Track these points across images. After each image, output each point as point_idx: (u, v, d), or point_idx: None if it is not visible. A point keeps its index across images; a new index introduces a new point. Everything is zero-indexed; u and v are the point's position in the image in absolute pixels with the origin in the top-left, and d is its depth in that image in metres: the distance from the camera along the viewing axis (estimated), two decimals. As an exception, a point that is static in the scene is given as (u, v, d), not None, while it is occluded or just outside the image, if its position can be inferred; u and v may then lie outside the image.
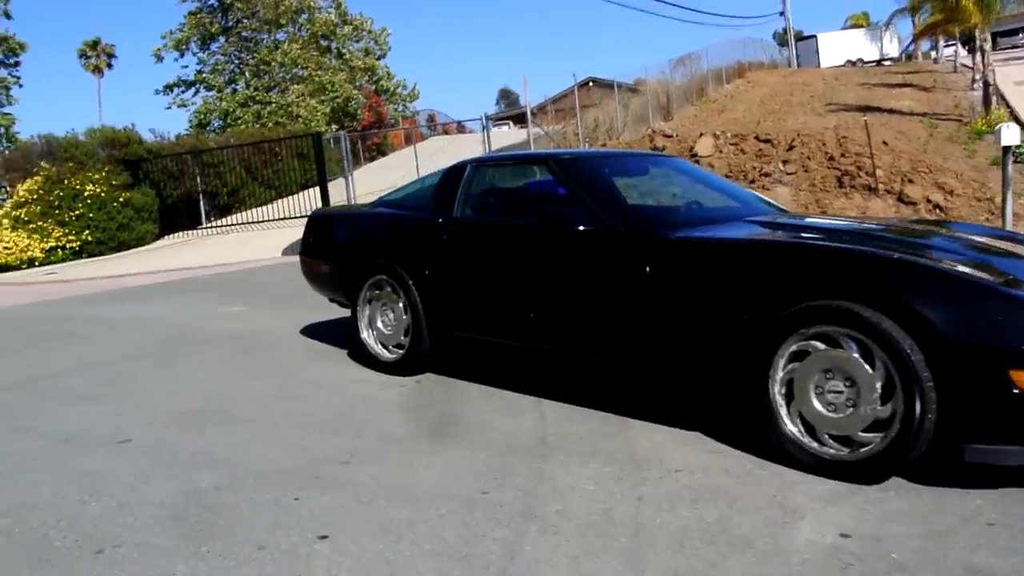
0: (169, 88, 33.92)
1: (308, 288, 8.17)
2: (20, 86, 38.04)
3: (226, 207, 21.18)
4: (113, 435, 4.18)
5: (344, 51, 33.39)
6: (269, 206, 19.53)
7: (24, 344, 7.15)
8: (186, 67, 34.76)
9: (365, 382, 5.02)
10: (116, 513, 3.18)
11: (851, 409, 3.25)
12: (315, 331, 6.67)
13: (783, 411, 3.43)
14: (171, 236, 19.27)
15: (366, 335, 5.29)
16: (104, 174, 17.94)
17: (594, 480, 3.34)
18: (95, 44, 54.75)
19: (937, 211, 11.99)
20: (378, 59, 35.96)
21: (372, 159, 32.27)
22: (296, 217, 17.99)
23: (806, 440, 3.38)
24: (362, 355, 5.35)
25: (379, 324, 5.24)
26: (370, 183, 21.07)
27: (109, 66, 55.84)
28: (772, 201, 5.14)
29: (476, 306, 4.63)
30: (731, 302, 3.53)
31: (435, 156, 24.18)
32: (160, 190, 19.57)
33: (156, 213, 19.16)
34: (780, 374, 3.43)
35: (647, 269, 3.76)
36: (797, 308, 3.31)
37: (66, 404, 4.90)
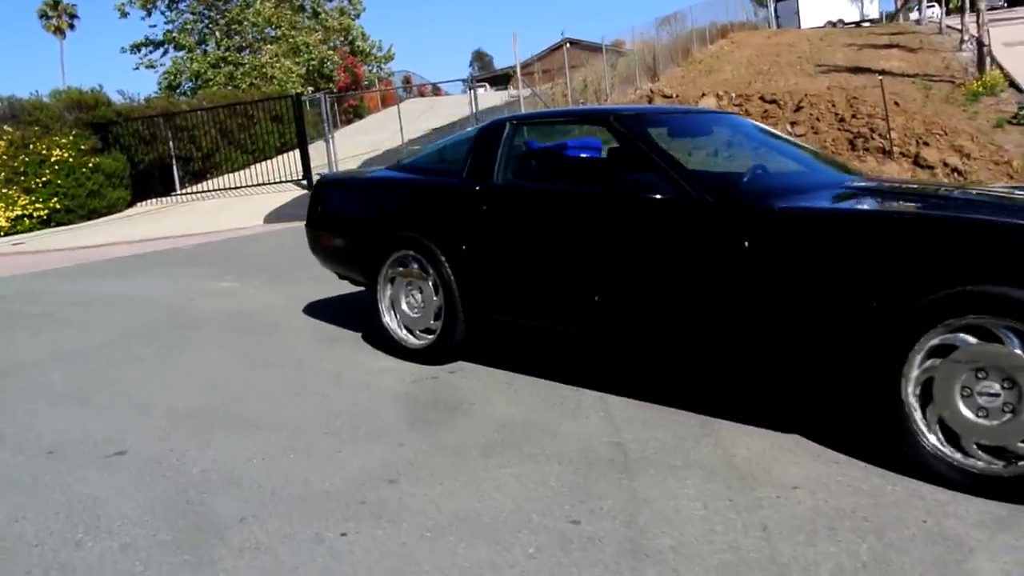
0: (136, 48, 32.58)
1: (301, 261, 7.52)
2: (-21, 47, 36.39)
3: (200, 172, 20.28)
4: (104, 445, 3.54)
5: (319, 10, 32.24)
6: (245, 171, 18.68)
7: (-12, 326, 6.42)
8: (154, 26, 33.40)
9: (390, 373, 4.41)
10: (119, 557, 2.55)
11: (1009, 415, 2.69)
12: (318, 310, 6.02)
13: (917, 416, 2.87)
14: (144, 203, 18.39)
15: (388, 319, 4.66)
16: (71, 138, 16.99)
17: (701, 502, 2.77)
18: (56, 4, 52.82)
19: (955, 175, 11.48)
20: (353, 19, 34.82)
21: (349, 122, 31.34)
22: (275, 183, 17.22)
23: (947, 451, 2.82)
24: (382, 341, 4.73)
25: (403, 306, 4.61)
26: (349, 146, 20.28)
27: (71, 27, 54.05)
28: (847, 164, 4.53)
29: (524, 287, 4.01)
30: (854, 287, 2.94)
31: (419, 119, 23.42)
32: (131, 155, 18.62)
33: (128, 179, 18.25)
34: (915, 372, 2.86)
35: (745, 245, 3.16)
36: (943, 294, 2.73)
37: (44, 405, 4.24)
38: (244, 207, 15.60)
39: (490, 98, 29.08)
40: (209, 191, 18.20)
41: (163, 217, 15.84)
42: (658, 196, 3.45)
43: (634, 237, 3.53)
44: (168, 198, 18.57)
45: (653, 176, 3.50)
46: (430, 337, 4.50)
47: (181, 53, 31.73)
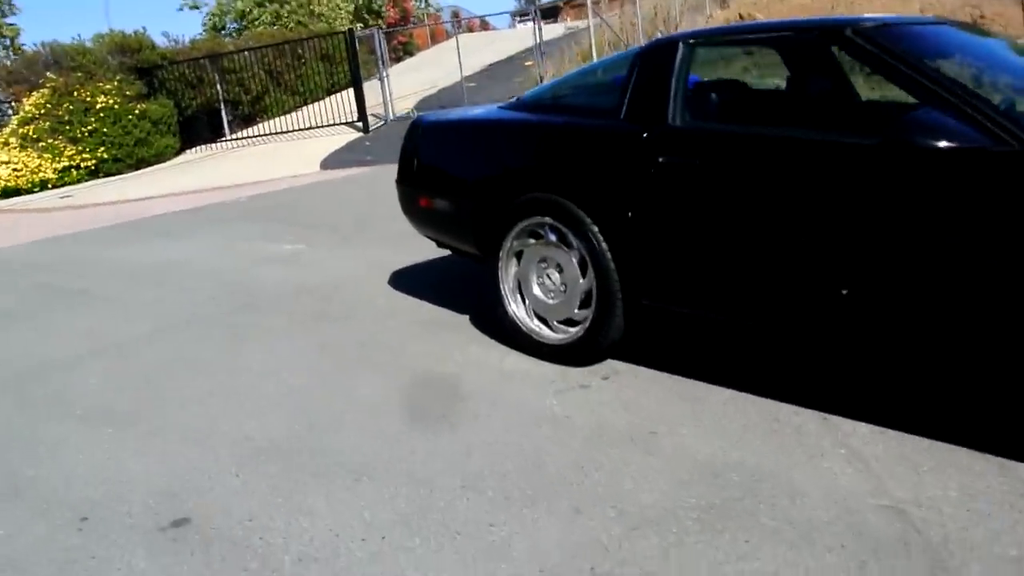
0: (179, -11, 31.43)
1: (370, 215, 6.49)
2: (21, -8, 35.58)
3: (249, 116, 19.25)
4: (157, 507, 2.53)
5: (366, -58, 30.76)
6: (295, 114, 17.62)
7: (16, 308, 5.45)
8: (196, -35, 32.14)
9: (523, 379, 3.34)
10: None
11: None
12: (406, 281, 4.96)
13: None
14: (193, 150, 17.46)
15: (513, 306, 3.57)
16: (116, 84, 16.03)
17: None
18: (97, -55, 51.74)
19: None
20: (400, -49, 33.23)
21: (398, 60, 30.02)
22: (327, 125, 16.12)
23: None
24: (502, 329, 3.64)
25: (535, 289, 3.50)
26: (402, 85, 19.04)
27: (113, -31, 52.95)
28: None
29: (723, 272, 2.88)
30: None
31: (475, 54, 22.04)
32: (178, 100, 17.66)
33: (175, 125, 17.30)
34: None
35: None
36: None
37: (75, 428, 3.25)
38: (297, 152, 14.57)
39: (548, 31, 27.49)
40: (259, 136, 17.17)
41: (213, 165, 14.88)
42: (942, 145, 2.27)
43: (917, 205, 2.36)
44: (217, 144, 17.60)
45: (945, 117, 2.31)
46: (573, 330, 3.40)
47: (225, -8, 30.54)
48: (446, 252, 4.26)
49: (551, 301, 3.47)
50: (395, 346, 3.84)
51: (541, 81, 17.22)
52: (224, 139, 17.87)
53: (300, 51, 19.29)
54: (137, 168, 16.04)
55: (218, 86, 18.12)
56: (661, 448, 2.69)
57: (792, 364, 3.23)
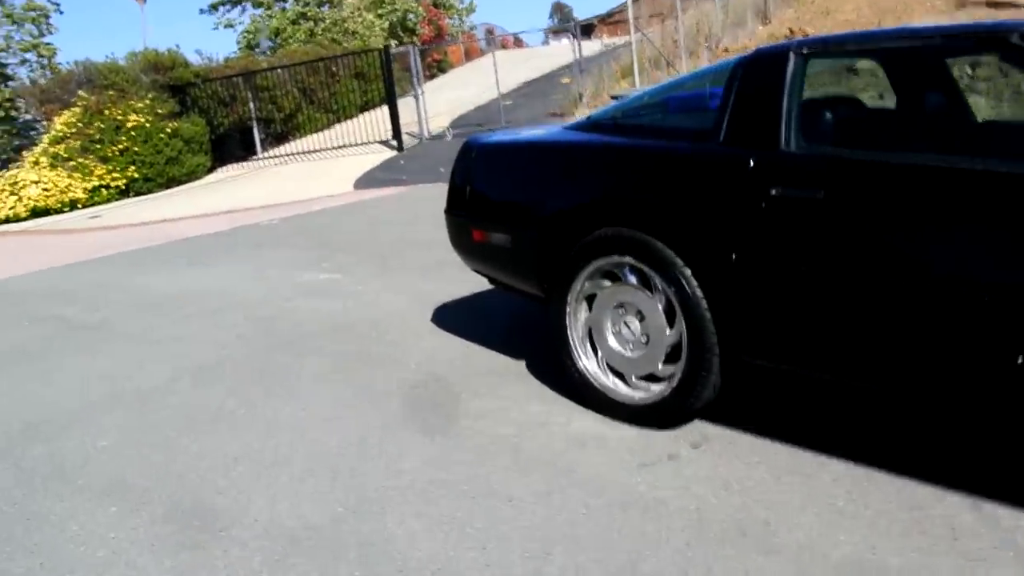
0: (214, 7, 31.47)
1: (410, 240, 6.07)
2: (60, 12, 35.89)
3: (281, 135, 18.99)
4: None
5: (400, -40, 30.59)
6: (328, 132, 17.32)
7: (26, 344, 5.03)
8: (231, -16, 32.14)
9: (596, 445, 2.87)
10: None
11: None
12: (454, 317, 4.49)
13: None
14: (225, 168, 17.19)
15: (583, 358, 3.09)
16: (148, 102, 15.80)
17: None
18: (134, -34, 52.23)
19: None
20: (434, -31, 33.06)
21: (432, 77, 29.78)
22: (361, 144, 15.76)
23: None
24: (569, 382, 3.15)
25: (610, 339, 3.01)
26: (437, 102, 18.70)
27: (150, -11, 53.44)
28: None
29: (853, 331, 2.37)
30: None
31: (511, 71, 21.67)
32: (210, 118, 17.43)
33: (207, 144, 17.05)
34: None
35: None
36: None
37: (85, 507, 2.78)
38: (331, 172, 14.22)
39: (584, 47, 27.10)
40: (291, 154, 16.87)
41: (245, 184, 14.57)
42: None
43: None
44: (249, 163, 17.32)
45: None
46: (656, 388, 2.91)
47: (259, 10, 30.50)
48: (482, 282, 3.80)
49: (629, 353, 2.97)
50: (445, 400, 3.37)
51: (580, 99, 16.79)
52: (256, 157, 17.60)
53: (334, 68, 19.02)
54: (168, 187, 15.79)
55: (251, 104, 17.87)
56: (782, 545, 2.19)
57: (926, 434, 2.71)
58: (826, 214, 2.38)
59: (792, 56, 2.65)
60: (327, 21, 27.34)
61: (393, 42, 25.81)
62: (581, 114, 15.63)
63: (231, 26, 31.26)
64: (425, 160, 14.10)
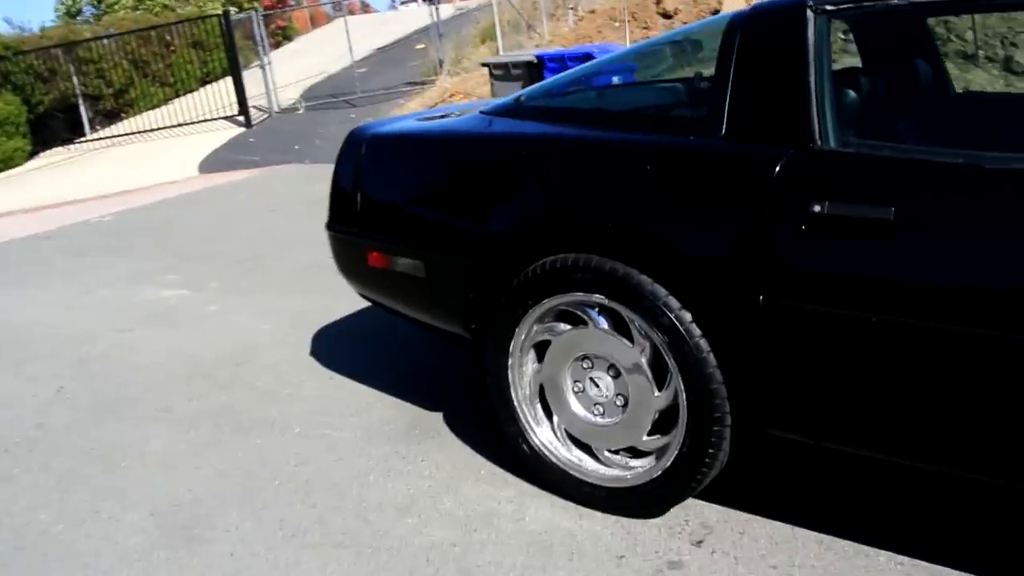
0: (25, -29, 28.36)
1: (264, 235, 5.19)
2: None
3: (113, 112, 17.19)
4: None
5: (233, -83, 28.38)
6: (166, 108, 15.73)
7: None
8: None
9: (575, 551, 2.12)
10: None
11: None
12: (331, 346, 3.65)
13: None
14: (48, 153, 15.33)
15: (533, 427, 2.30)
16: (-53, 79, 13.81)
17: None
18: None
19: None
20: (272, -72, 30.96)
21: (278, 45, 28.05)
22: (203, 120, 14.33)
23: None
24: (516, 454, 2.38)
25: (570, 401, 2.25)
26: (286, 72, 17.30)
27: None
28: None
29: (948, 397, 1.67)
30: None
31: (363, 38, 20.43)
32: (27, 96, 15.48)
33: (25, 125, 15.14)
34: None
35: None
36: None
37: None
38: (171, 153, 12.82)
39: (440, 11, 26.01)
40: (126, 134, 15.17)
41: (72, 171, 12.94)
42: None
43: None
44: (77, 145, 15.51)
45: None
46: (639, 466, 2.18)
47: (78, -26, 27.68)
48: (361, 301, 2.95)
49: (599, 420, 2.21)
50: (347, 487, 2.51)
51: (441, 65, 15.83)
52: (85, 139, 15.78)
53: (168, 37, 17.32)
54: (-20, 177, 13.89)
55: (74, 78, 15.99)
56: None
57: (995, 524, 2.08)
58: (902, 240, 1.66)
59: (811, 16, 1.91)
60: (157, -15, 25.06)
61: (233, 8, 23.97)
62: (443, 83, 14.69)
63: (47, -8, 28.28)
64: (277, 136, 12.90)
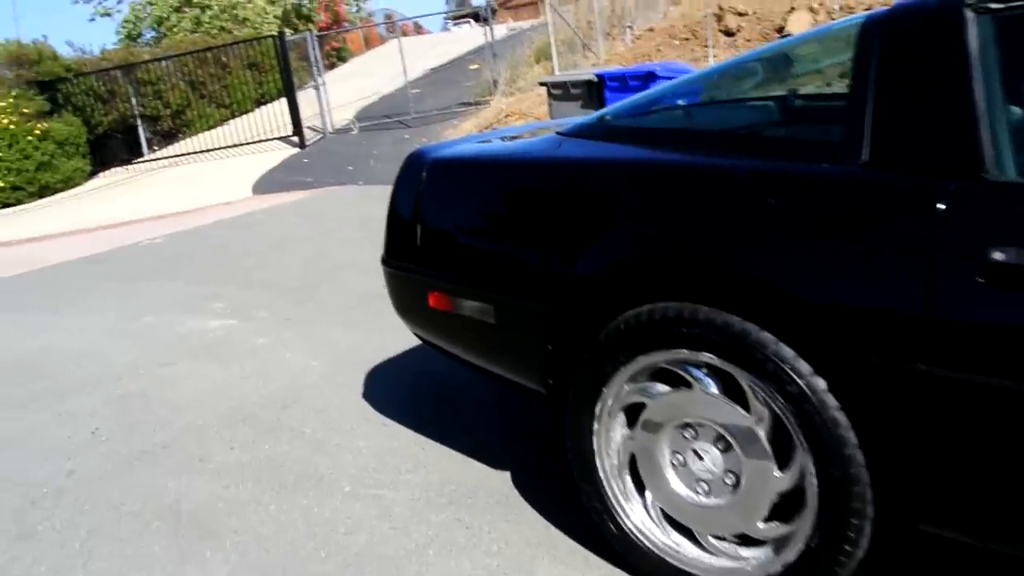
0: (88, -5, 28.96)
1: (319, 263, 4.92)
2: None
3: (170, 133, 17.28)
4: None
5: (292, -58, 28.76)
6: (221, 128, 15.76)
7: None
8: (107, -29, 29.67)
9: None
10: None
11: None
12: (384, 388, 3.34)
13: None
14: (107, 173, 15.44)
15: (622, 503, 1.95)
16: (11, 100, 13.93)
17: None
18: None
19: None
20: (329, -49, 31.30)
21: (332, 66, 28.29)
22: (258, 141, 14.30)
23: None
24: (597, 531, 2.02)
25: (668, 475, 1.90)
26: (339, 93, 17.26)
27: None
28: None
29: None
30: None
31: (416, 59, 20.37)
32: (87, 117, 15.62)
33: (85, 146, 15.23)
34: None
35: None
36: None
37: None
38: (225, 173, 12.76)
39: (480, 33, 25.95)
40: (182, 155, 15.22)
41: (130, 191, 12.95)
42: None
43: None
44: (135, 166, 15.60)
45: None
46: (753, 557, 1.81)
47: (139, -3, 28.20)
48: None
49: (703, 500, 1.85)
50: (401, 565, 2.18)
51: (495, 85, 15.60)
52: (143, 159, 15.89)
53: (224, 59, 17.40)
54: (41, 196, 14.00)
55: (133, 99, 16.11)
56: None
57: None
58: None
59: (970, 16, 1.55)
60: (215, 8, 25.40)
61: (288, 30, 24.16)
62: (498, 103, 14.45)
63: (108, 14, 28.84)
64: (331, 157, 12.78)
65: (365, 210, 7.22)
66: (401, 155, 2.64)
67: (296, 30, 25.52)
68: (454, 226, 2.38)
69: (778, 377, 1.64)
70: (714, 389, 1.78)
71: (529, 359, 2.12)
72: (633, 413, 1.95)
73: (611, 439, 1.99)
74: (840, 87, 1.78)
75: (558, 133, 2.31)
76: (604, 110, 2.28)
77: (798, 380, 1.61)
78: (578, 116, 3.52)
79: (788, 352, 1.62)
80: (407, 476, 2.62)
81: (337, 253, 6.01)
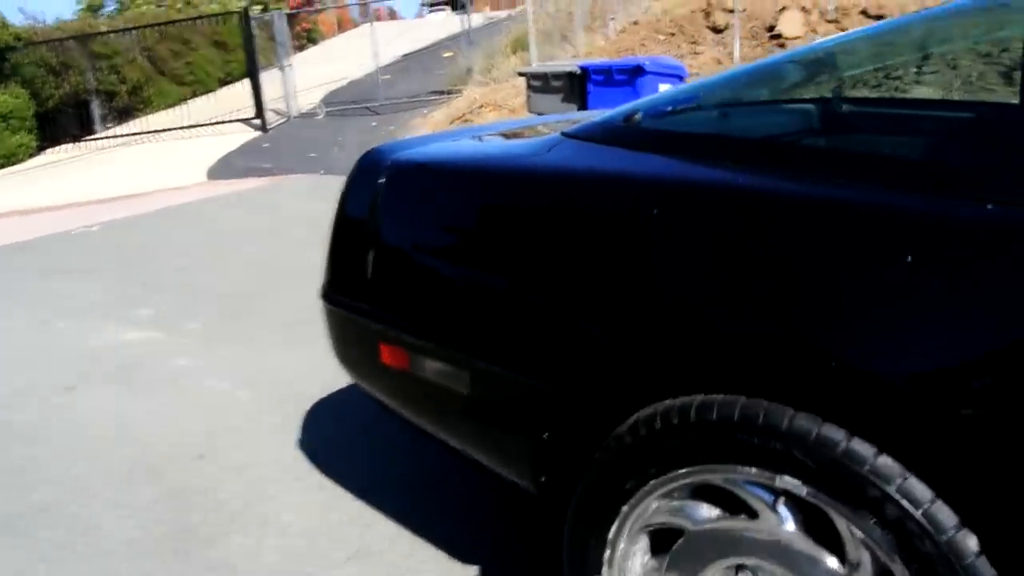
0: (49, -36, 27.82)
1: (267, 267, 4.37)
2: None
3: (126, 110, 16.44)
4: None
5: (263, -84, 27.77)
6: (182, 108, 14.98)
7: None
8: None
9: None
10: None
11: None
12: (327, 436, 2.74)
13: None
14: (55, 150, 14.56)
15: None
16: (-48, 69, 13.06)
17: None
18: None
19: None
20: (302, -71, 30.41)
21: (301, 48, 27.52)
22: (219, 122, 13.55)
23: None
24: None
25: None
26: (307, 76, 16.53)
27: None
28: None
29: None
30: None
31: (389, 44, 19.65)
32: (37, 89, 14.71)
33: (32, 120, 14.37)
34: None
35: None
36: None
37: None
38: (181, 155, 12.02)
39: (458, 21, 25.27)
40: (138, 133, 14.37)
41: (76, 170, 12.15)
42: None
43: None
44: (86, 143, 14.73)
45: None
46: None
47: (101, -32, 27.10)
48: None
49: (763, 675, 1.26)
50: None
51: (470, 73, 14.94)
52: (95, 137, 15.02)
53: (188, 35, 16.59)
54: (-20, 172, 13.13)
55: (88, 73, 15.23)
56: None
57: None
58: None
59: None
60: (181, -19, 24.38)
61: (257, 8, 23.30)
62: (471, 93, 13.78)
63: (70, -15, 27.70)
64: (293, 142, 12.08)
65: (323, 204, 6.53)
66: (367, 143, 2.06)
67: (267, 8, 24.68)
68: (420, 255, 1.76)
69: (902, 527, 1.05)
70: (792, 525, 1.19)
71: (515, 448, 1.53)
72: (662, 538, 1.36)
73: (628, 570, 1.39)
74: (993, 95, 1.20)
75: (567, 135, 1.70)
76: (631, 105, 1.67)
77: (935, 535, 1.03)
78: (574, 112, 2.91)
79: (922, 491, 1.04)
80: (348, 568, 2.01)
81: (288, 255, 5.37)
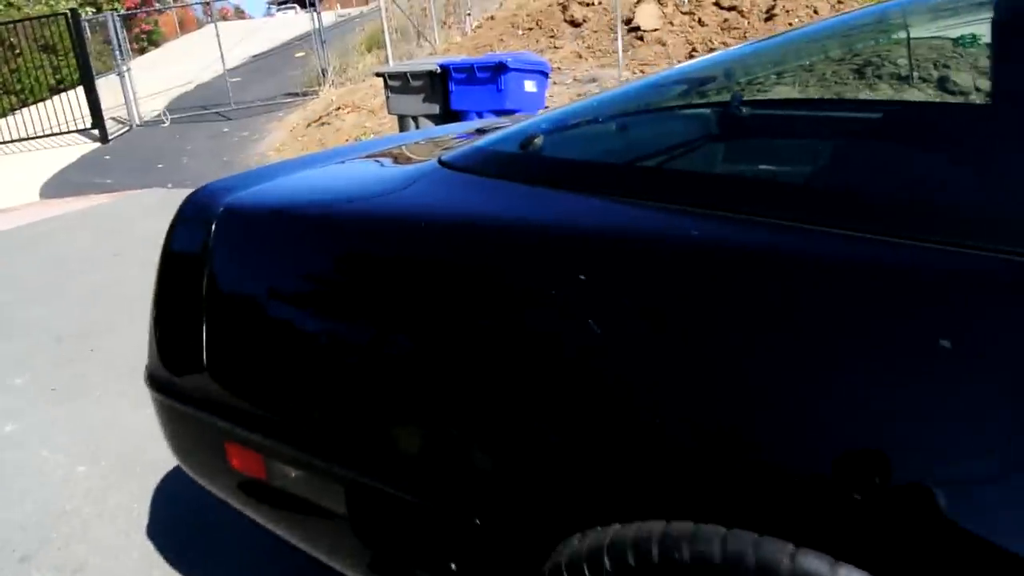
0: None
1: (112, 298, 3.90)
2: None
3: (-54, 123, 14.97)
4: None
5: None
6: (9, 118, 13.75)
7: None
8: None
9: None
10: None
11: None
12: (178, 520, 2.25)
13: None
14: None
15: None
16: None
17: None
18: None
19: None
20: (136, -76, 28.69)
21: (142, 51, 26.13)
22: (53, 134, 12.49)
23: None
24: None
25: None
26: (150, 81, 15.57)
27: None
28: None
29: None
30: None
31: (237, 45, 18.77)
32: None
33: None
34: None
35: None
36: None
37: None
38: (10, 171, 11.03)
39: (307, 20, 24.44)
40: (-42, 149, 13.11)
41: None
42: None
43: None
44: None
45: None
46: None
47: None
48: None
49: None
50: None
51: (324, 75, 14.34)
52: (-93, 154, 13.57)
53: (11, 39, 15.25)
54: None
55: None
56: None
57: None
58: None
59: None
60: (1, -19, 22.55)
61: (89, 9, 21.81)
62: (328, 94, 13.20)
63: None
64: (137, 153, 11.26)
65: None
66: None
67: (99, 9, 23.17)
68: (263, 329, 1.37)
69: None
70: None
71: (408, 578, 1.17)
72: None
73: None
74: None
75: (442, 163, 1.35)
76: (524, 125, 1.34)
77: None
78: (453, 125, 2.59)
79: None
80: None
81: (133, 283, 4.81)
